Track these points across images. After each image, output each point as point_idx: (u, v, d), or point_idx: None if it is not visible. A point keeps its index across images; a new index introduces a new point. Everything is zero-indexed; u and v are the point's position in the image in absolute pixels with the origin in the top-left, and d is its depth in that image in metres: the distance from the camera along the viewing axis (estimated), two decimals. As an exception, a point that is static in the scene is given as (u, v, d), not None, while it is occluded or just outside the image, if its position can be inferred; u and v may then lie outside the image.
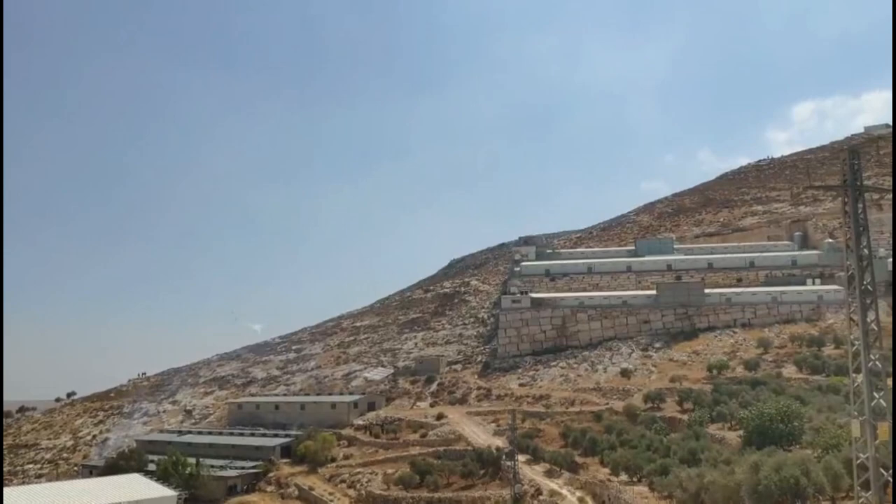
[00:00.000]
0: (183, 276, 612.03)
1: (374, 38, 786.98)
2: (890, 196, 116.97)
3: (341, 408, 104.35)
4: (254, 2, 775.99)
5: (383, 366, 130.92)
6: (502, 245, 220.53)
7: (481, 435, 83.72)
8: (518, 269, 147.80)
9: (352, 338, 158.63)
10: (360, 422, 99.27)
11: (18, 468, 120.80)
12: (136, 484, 53.91)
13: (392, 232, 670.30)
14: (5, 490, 65.84)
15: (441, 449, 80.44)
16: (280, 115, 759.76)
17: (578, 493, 57.13)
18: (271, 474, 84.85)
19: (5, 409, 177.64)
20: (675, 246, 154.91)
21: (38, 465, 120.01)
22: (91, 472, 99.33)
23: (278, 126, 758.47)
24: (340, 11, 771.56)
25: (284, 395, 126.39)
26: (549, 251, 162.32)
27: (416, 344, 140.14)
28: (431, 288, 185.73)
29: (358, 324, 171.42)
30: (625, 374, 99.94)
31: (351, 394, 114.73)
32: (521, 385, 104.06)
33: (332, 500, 73.06)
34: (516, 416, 77.27)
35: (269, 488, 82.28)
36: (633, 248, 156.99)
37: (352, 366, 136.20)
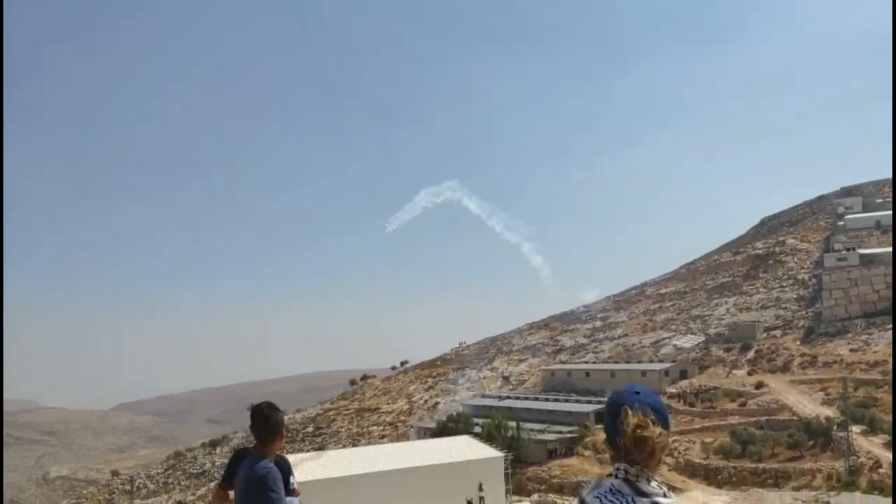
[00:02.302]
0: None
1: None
2: None
3: (652, 376, 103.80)
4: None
5: (693, 333, 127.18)
6: (821, 198, 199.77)
7: (807, 404, 78.25)
8: (842, 223, 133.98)
9: (657, 305, 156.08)
10: (673, 390, 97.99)
11: (364, 430, 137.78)
12: (468, 444, 59.45)
13: (692, 192, 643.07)
14: (369, 448, 76.32)
15: (763, 419, 76.71)
16: (568, 80, 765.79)
17: (930, 470, 51.45)
18: (587, 439, 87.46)
19: (351, 377, 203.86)
20: None
21: (381, 427, 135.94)
22: (425, 433, 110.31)
23: (566, 91, 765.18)
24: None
25: (593, 362, 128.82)
26: (878, 201, 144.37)
27: (727, 310, 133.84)
28: (741, 249, 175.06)
29: (662, 290, 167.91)
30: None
31: (660, 361, 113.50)
32: (851, 350, 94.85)
33: (649, 467, 73.55)
34: (848, 385, 71.12)
35: (587, 452, 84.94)
36: None
37: (659, 333, 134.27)
